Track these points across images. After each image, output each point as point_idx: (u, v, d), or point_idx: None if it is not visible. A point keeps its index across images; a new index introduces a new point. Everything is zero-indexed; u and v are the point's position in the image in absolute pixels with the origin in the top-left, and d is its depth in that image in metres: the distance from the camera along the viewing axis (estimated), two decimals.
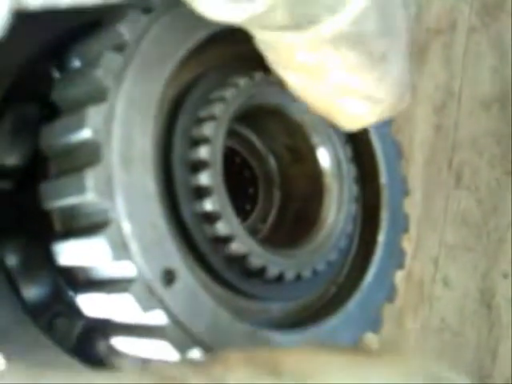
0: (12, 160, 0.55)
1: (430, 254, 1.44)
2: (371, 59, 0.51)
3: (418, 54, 1.50)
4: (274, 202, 0.64)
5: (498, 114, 1.50)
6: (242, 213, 0.63)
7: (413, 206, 1.44)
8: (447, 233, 1.47)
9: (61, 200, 0.49)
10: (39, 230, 0.53)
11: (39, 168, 0.53)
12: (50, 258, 0.53)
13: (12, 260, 0.55)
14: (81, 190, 0.46)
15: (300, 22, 0.47)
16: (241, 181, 0.64)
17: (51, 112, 0.54)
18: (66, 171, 0.49)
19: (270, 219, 0.64)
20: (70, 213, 0.49)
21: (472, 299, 1.47)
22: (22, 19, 0.55)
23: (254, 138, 0.63)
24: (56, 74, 0.58)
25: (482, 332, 1.46)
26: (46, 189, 0.51)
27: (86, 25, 0.58)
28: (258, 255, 0.53)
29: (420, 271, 1.44)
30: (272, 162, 0.64)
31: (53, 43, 0.58)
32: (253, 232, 0.62)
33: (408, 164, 1.45)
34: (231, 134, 0.58)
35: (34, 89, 0.57)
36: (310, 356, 0.42)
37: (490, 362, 1.47)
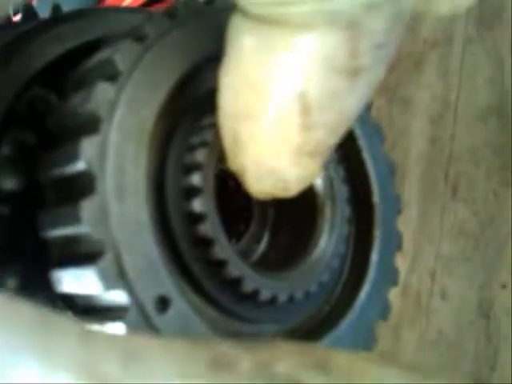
0: (9, 185, 0.56)
1: (426, 266, 1.44)
2: None
3: (414, 65, 1.50)
4: (268, 223, 0.65)
5: (494, 125, 1.50)
6: (236, 234, 0.64)
7: (409, 219, 1.44)
8: (444, 245, 1.47)
9: (56, 230, 0.50)
10: (37, 255, 0.54)
11: (37, 195, 0.54)
12: (48, 283, 0.53)
13: (11, 284, 0.56)
14: (76, 221, 0.47)
15: None
16: (235, 202, 0.64)
17: (49, 139, 0.54)
18: (62, 201, 0.50)
19: (264, 240, 0.64)
20: (66, 242, 0.50)
21: (470, 311, 1.47)
22: (20, 44, 0.56)
23: None
24: (54, 99, 0.58)
25: (480, 343, 1.46)
26: (42, 218, 0.52)
27: (85, 48, 0.59)
28: (251, 279, 0.54)
29: (417, 284, 1.44)
30: None
31: (51, 67, 0.58)
32: (246, 253, 0.63)
33: (404, 176, 1.45)
34: (224, 157, 0.58)
35: (32, 114, 0.57)
36: (364, 360, 0.41)
37: (488, 374, 1.46)
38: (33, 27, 0.58)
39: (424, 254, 1.43)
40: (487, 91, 1.51)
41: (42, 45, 0.57)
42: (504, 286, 1.46)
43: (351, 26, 0.44)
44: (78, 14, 0.60)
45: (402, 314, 1.40)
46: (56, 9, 0.75)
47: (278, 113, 0.47)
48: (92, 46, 0.57)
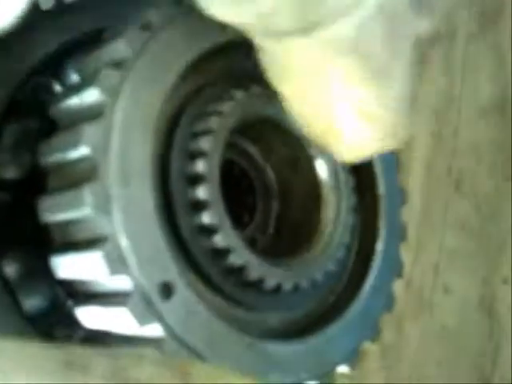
0: (11, 173, 0.56)
1: (429, 260, 1.44)
2: (373, 70, 0.50)
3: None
4: (273, 212, 0.65)
5: (497, 120, 1.50)
6: (241, 223, 0.63)
7: (412, 213, 1.44)
8: (447, 239, 1.47)
9: (58, 215, 0.50)
10: (38, 242, 0.54)
11: (38, 181, 0.54)
12: (48, 269, 0.54)
13: (11, 271, 0.56)
14: (78, 205, 0.47)
15: (304, 26, 0.46)
16: (239, 191, 0.64)
17: (50, 126, 0.54)
18: (64, 186, 0.50)
19: (269, 229, 0.64)
20: (68, 227, 0.50)
21: (472, 305, 1.47)
22: (23, 31, 0.56)
23: (252, 149, 0.64)
24: (57, 87, 0.59)
25: (482, 338, 1.47)
26: (43, 203, 0.51)
27: (87, 37, 0.59)
28: (256, 267, 0.54)
29: (420, 278, 1.44)
30: (270, 172, 0.65)
31: (53, 56, 0.58)
32: (251, 243, 0.62)
33: (407, 170, 1.45)
34: (229, 145, 0.58)
35: (35, 102, 0.57)
36: (220, 369, 0.43)
37: (490, 368, 1.47)
38: (35, 17, 0.58)
39: (427, 247, 1.43)
40: (490, 86, 1.51)
41: (44, 34, 0.57)
42: (506, 281, 1.47)
43: None
44: (80, 4, 0.60)
45: (404, 308, 1.40)
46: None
47: None
48: (96, 35, 0.57)
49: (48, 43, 0.57)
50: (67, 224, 0.50)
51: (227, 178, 0.57)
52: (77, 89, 0.52)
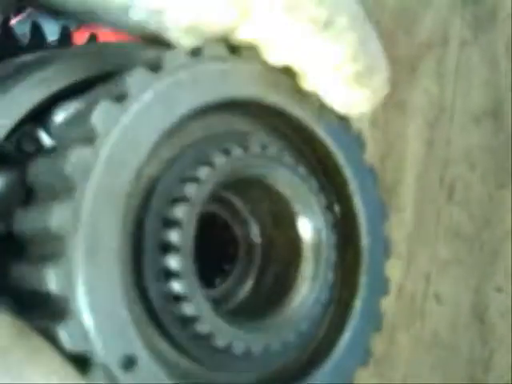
0: None
1: (421, 269, 1.45)
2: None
3: (409, 68, 1.50)
4: (254, 264, 0.64)
5: (490, 127, 1.50)
6: (221, 274, 0.63)
7: (404, 222, 1.45)
8: (439, 248, 1.47)
9: (26, 285, 0.50)
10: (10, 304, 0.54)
11: (16, 243, 0.54)
12: None
13: None
14: (42, 283, 0.48)
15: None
16: (221, 241, 0.64)
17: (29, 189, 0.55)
18: (33, 259, 0.51)
19: (249, 282, 0.64)
20: (35, 298, 0.51)
21: (464, 314, 1.48)
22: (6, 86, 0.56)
23: (237, 201, 0.63)
24: (42, 136, 0.58)
25: (474, 346, 1.48)
26: (14, 272, 0.52)
27: (76, 87, 0.59)
28: (223, 333, 0.54)
29: (412, 287, 1.45)
30: (254, 225, 0.64)
31: (39, 106, 0.58)
32: (229, 295, 0.62)
33: (400, 179, 1.45)
34: (213, 198, 0.58)
35: (19, 153, 0.57)
36: None
37: (482, 376, 1.48)
38: (19, 66, 0.58)
39: (419, 256, 1.44)
40: (483, 94, 1.51)
41: (28, 87, 0.57)
42: (499, 290, 1.47)
43: None
44: (63, 54, 0.60)
45: (396, 317, 1.41)
46: (36, 28, 0.75)
47: None
48: (81, 85, 0.57)
49: (32, 96, 0.57)
50: (34, 295, 0.50)
51: (209, 228, 0.57)
52: (49, 160, 0.52)
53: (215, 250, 0.62)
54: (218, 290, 0.62)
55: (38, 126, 0.58)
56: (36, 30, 0.77)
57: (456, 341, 1.46)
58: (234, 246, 0.64)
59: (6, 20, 0.79)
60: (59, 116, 0.57)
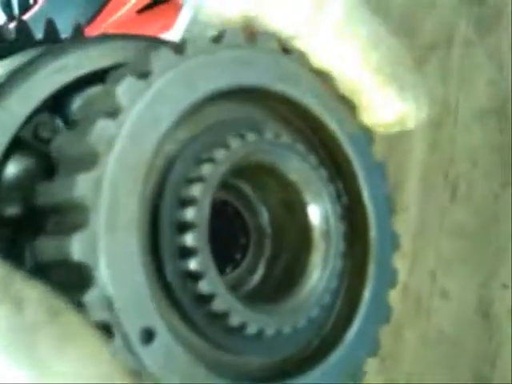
0: (12, 210, 0.57)
1: (426, 267, 1.46)
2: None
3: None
4: (265, 253, 0.65)
5: (494, 127, 1.51)
6: (232, 262, 0.64)
7: (409, 219, 1.46)
8: (444, 246, 1.48)
9: (49, 258, 0.52)
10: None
11: (38, 220, 0.55)
12: None
13: None
14: (66, 253, 0.49)
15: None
16: (232, 230, 0.65)
17: (52, 164, 0.56)
18: (56, 231, 0.52)
19: (259, 270, 0.64)
20: (58, 270, 0.52)
21: (470, 310, 1.48)
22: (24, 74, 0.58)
23: (248, 190, 0.64)
24: (59, 124, 0.60)
25: (480, 343, 1.48)
26: (37, 245, 0.53)
27: (93, 75, 0.60)
28: (238, 313, 0.55)
29: (417, 285, 1.46)
30: (265, 214, 0.65)
31: (56, 95, 0.59)
32: (240, 283, 0.63)
33: (404, 177, 1.46)
34: (225, 186, 0.60)
35: (36, 140, 0.59)
36: None
37: (489, 373, 1.48)
38: (37, 56, 0.59)
39: (424, 254, 1.45)
40: (487, 94, 1.52)
41: (46, 75, 0.58)
42: (504, 287, 1.48)
43: None
44: (82, 43, 0.61)
45: (402, 314, 1.42)
46: (49, 24, 0.76)
47: None
48: (100, 73, 0.59)
49: (50, 84, 0.58)
50: (57, 267, 0.51)
51: (221, 217, 0.58)
52: (74, 134, 0.54)
53: (226, 239, 0.63)
54: (229, 279, 0.62)
55: (55, 114, 0.60)
56: (50, 26, 0.78)
57: (462, 337, 1.47)
58: (245, 236, 0.66)
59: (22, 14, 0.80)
60: (76, 104, 0.59)
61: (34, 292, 0.43)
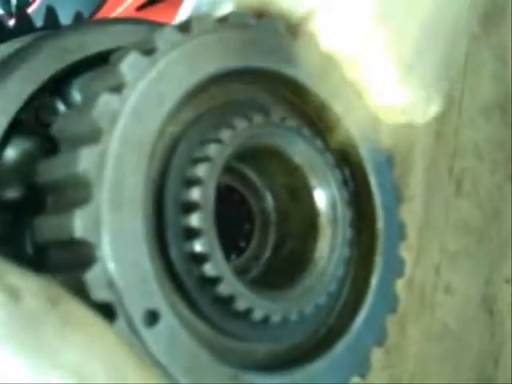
0: (13, 193, 0.56)
1: (431, 261, 1.45)
2: None
3: None
4: (269, 240, 0.64)
5: (499, 120, 1.50)
6: (236, 249, 0.63)
7: (413, 213, 1.45)
8: (448, 240, 1.47)
9: (51, 236, 0.50)
10: (36, 262, 0.54)
11: (38, 201, 0.54)
12: None
13: None
14: (69, 229, 0.47)
15: None
16: (237, 217, 0.64)
17: (52, 146, 0.55)
18: (58, 208, 0.50)
19: (264, 257, 0.63)
20: (61, 249, 0.51)
21: (474, 305, 1.47)
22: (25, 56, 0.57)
23: (252, 175, 0.63)
24: (60, 107, 0.59)
25: (484, 338, 1.47)
26: (38, 223, 0.52)
27: (94, 58, 0.59)
28: (244, 298, 0.54)
29: (421, 279, 1.44)
30: (269, 200, 0.64)
31: (58, 77, 0.59)
32: (245, 270, 0.62)
33: (408, 171, 1.45)
34: (230, 171, 0.59)
35: (37, 122, 0.58)
36: None
37: (492, 368, 1.47)
38: (37, 38, 0.58)
39: (429, 248, 1.44)
40: (491, 87, 1.51)
41: (47, 57, 0.57)
42: (508, 281, 1.47)
43: None
44: (83, 26, 0.60)
45: (406, 308, 1.41)
46: (50, 11, 0.76)
47: None
48: (100, 57, 0.58)
49: (51, 66, 0.57)
50: (59, 246, 0.50)
51: (225, 203, 0.57)
52: (77, 111, 0.53)
53: (231, 226, 0.62)
54: (233, 266, 0.61)
55: (56, 97, 0.59)
56: (50, 14, 0.78)
57: (466, 332, 1.46)
58: (250, 222, 0.65)
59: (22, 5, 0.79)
60: (78, 86, 0.58)
61: (30, 282, 0.42)
